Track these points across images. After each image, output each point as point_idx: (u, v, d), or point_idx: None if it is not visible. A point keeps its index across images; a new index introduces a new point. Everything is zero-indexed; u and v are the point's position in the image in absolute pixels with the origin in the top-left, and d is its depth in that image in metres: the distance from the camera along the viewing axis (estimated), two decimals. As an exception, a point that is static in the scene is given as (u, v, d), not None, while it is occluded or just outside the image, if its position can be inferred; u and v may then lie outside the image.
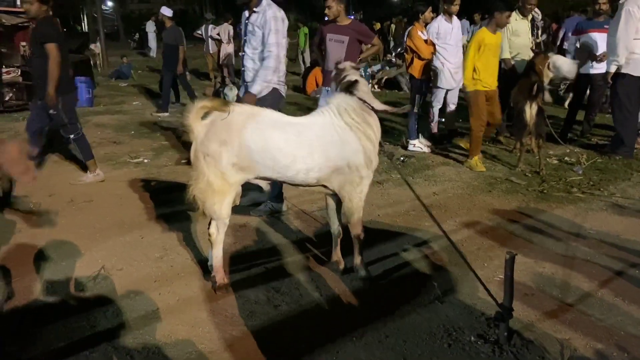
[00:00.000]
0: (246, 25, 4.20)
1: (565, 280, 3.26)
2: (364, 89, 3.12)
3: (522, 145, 5.80)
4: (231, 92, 7.80)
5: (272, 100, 4.10)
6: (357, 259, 3.25)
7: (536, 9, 7.07)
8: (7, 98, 9.41)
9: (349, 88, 3.08)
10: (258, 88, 4.07)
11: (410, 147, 6.63)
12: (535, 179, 5.37)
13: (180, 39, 9.57)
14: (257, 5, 4.10)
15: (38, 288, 3.22)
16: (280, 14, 4.10)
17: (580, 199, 4.76)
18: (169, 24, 9.80)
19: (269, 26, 4.01)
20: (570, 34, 8.05)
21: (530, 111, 5.55)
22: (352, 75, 3.17)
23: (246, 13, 4.22)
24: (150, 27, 22.61)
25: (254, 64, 4.18)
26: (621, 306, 2.97)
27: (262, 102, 4.02)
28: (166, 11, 9.99)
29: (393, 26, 20.50)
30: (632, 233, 3.95)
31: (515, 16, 6.67)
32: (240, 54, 4.26)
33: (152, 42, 22.98)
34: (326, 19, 5.36)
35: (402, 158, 6.26)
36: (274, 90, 4.18)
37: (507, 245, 3.77)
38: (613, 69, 5.94)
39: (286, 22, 4.16)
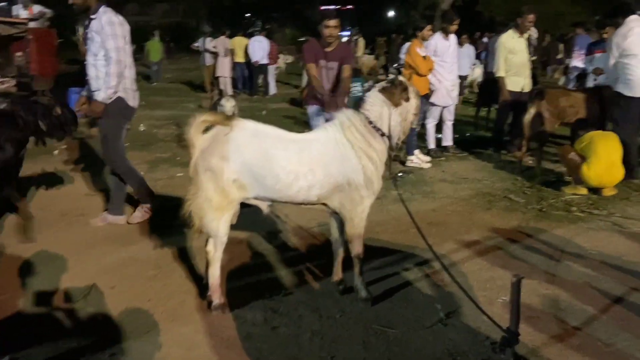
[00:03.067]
0: (86, 33, 4.17)
1: (570, 303, 3.19)
2: (375, 109, 3.05)
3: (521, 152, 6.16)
4: (228, 103, 7.72)
5: (115, 109, 4.14)
6: (358, 279, 3.17)
7: (532, 28, 7.11)
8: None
9: (356, 105, 3.04)
10: (103, 95, 4.04)
11: (408, 163, 6.59)
12: (533, 197, 5.33)
13: None
14: (95, 12, 4.08)
15: (26, 306, 3.11)
16: (117, 18, 4.06)
17: (580, 218, 4.71)
18: None
19: (106, 31, 3.99)
20: (580, 52, 8.32)
21: (527, 115, 6.04)
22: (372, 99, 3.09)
23: (87, 22, 4.18)
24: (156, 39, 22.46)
25: (96, 71, 4.14)
26: (629, 330, 2.90)
27: (105, 111, 4.09)
28: None
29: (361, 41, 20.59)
30: (634, 254, 3.89)
31: (512, 34, 6.71)
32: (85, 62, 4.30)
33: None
34: (316, 41, 4.95)
35: (400, 174, 6.20)
36: (118, 99, 4.15)
37: (509, 265, 3.70)
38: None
39: (126, 26, 4.13)
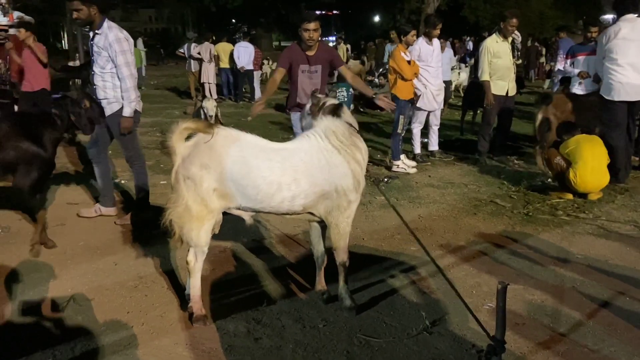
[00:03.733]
0: (92, 45, 4.40)
1: (556, 309, 3.17)
2: (348, 112, 3.07)
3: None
4: (209, 103, 7.64)
5: None
6: (342, 288, 3.12)
7: (516, 31, 7.13)
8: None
9: (336, 111, 2.99)
10: (129, 110, 4.35)
11: (394, 168, 6.56)
12: (519, 201, 5.33)
13: None
14: (99, 27, 4.29)
15: None
16: (123, 34, 4.32)
17: (565, 222, 4.71)
18: None
19: (114, 49, 4.24)
20: (564, 55, 8.35)
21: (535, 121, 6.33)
22: (331, 101, 3.13)
23: (91, 34, 4.40)
24: (140, 45, 22.36)
25: (103, 82, 4.39)
26: (614, 335, 2.88)
27: (115, 117, 4.38)
28: None
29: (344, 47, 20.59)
30: (620, 258, 3.89)
31: (496, 38, 6.74)
32: (92, 72, 4.51)
33: (142, 60, 22.53)
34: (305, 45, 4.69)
35: (386, 179, 6.17)
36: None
37: (495, 271, 3.67)
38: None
39: (131, 40, 4.41)
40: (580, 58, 7.00)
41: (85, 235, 4.36)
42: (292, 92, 4.99)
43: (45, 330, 2.95)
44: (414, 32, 6.50)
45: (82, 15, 4.23)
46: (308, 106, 3.22)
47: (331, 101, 3.12)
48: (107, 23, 4.29)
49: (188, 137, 2.87)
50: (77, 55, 21.64)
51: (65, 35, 36.52)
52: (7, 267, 3.70)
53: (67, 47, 32.16)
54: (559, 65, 8.00)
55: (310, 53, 4.77)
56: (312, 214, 2.99)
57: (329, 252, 3.17)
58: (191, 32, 17.76)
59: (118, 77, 4.33)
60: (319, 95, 3.23)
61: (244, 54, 13.76)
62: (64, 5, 26.55)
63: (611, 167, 5.35)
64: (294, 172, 2.82)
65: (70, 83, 15.35)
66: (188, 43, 14.71)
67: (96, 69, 4.37)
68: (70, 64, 16.48)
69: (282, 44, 39.61)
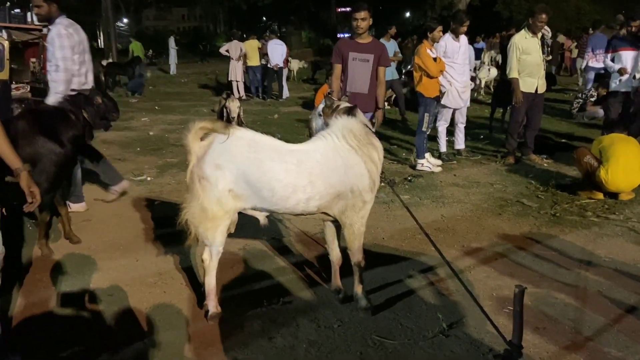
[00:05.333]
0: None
1: (580, 313, 3.07)
2: (361, 114, 3.07)
3: None
4: (233, 103, 7.68)
5: None
6: (358, 288, 3.09)
7: (546, 27, 6.91)
8: (16, 114, 9.40)
9: (351, 112, 2.97)
10: (52, 100, 4.30)
11: (419, 167, 6.47)
12: (547, 201, 5.18)
13: None
14: (52, 23, 4.40)
15: (19, 313, 3.09)
16: (66, 30, 4.35)
17: (594, 224, 4.56)
18: None
19: (55, 43, 4.31)
20: (596, 51, 8.00)
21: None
22: (345, 104, 3.13)
23: (45, 30, 4.60)
24: (172, 43, 22.78)
25: (50, 76, 4.44)
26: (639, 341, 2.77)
27: None
28: None
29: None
30: (650, 261, 3.75)
31: (525, 34, 6.55)
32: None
33: (173, 58, 22.96)
34: (345, 35, 5.12)
35: (409, 178, 6.10)
36: None
37: (517, 273, 3.58)
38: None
39: (75, 37, 4.40)
40: (622, 53, 6.71)
41: (109, 231, 4.45)
42: (343, 82, 5.13)
43: (64, 324, 3.02)
44: (440, 28, 6.39)
45: (42, 11, 4.40)
46: (320, 107, 3.19)
47: (345, 104, 3.10)
48: (59, 19, 4.40)
49: (204, 137, 2.88)
50: (110, 54, 22.22)
51: (101, 35, 37.44)
52: (34, 261, 3.80)
53: (102, 46, 32.94)
54: (589, 62, 7.74)
55: (361, 41, 5.03)
56: (326, 213, 2.97)
57: (345, 251, 3.14)
58: (234, 30, 18.02)
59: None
60: (333, 98, 3.22)
61: (277, 51, 13.75)
62: (99, 5, 27.24)
63: None
64: (310, 175, 2.79)
65: (110, 80, 15.75)
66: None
67: (48, 64, 4.48)
68: (103, 62, 16.88)
69: (311, 41, 39.62)
